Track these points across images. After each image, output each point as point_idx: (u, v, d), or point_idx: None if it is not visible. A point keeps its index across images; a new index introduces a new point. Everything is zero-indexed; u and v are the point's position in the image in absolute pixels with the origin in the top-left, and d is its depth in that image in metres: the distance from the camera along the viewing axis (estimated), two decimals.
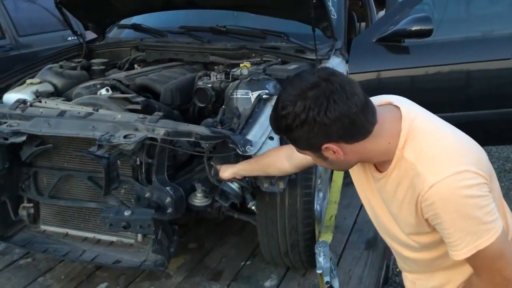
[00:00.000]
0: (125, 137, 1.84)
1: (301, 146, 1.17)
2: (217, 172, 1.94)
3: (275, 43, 2.76)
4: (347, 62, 2.85)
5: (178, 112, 2.36)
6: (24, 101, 2.13)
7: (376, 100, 1.19)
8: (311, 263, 2.21)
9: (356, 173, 1.34)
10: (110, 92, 2.27)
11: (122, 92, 2.32)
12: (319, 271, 1.86)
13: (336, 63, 2.62)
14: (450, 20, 3.18)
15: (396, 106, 1.18)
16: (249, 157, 1.84)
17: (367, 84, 2.87)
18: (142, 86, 2.43)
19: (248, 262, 2.55)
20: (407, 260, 1.37)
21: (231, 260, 2.58)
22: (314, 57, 2.54)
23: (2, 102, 2.34)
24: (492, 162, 1.19)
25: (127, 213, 1.84)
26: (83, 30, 3.32)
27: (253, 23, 2.88)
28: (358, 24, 3.99)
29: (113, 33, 3.29)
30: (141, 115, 1.96)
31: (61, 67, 2.61)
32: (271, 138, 1.92)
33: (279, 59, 2.63)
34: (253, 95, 2.11)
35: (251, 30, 2.82)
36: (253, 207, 2.04)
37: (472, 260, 1.12)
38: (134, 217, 1.84)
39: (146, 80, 2.45)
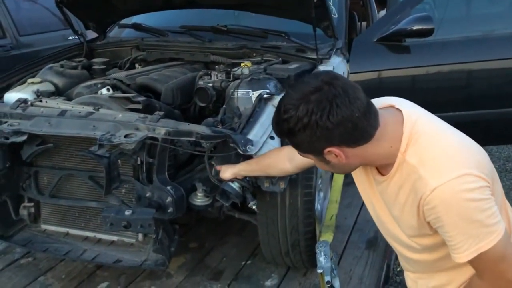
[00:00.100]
0: (126, 136, 1.84)
1: (303, 150, 1.17)
2: (217, 172, 1.94)
3: (276, 42, 2.76)
4: (348, 61, 2.85)
5: (179, 112, 2.36)
6: (25, 101, 2.13)
7: (378, 102, 1.19)
8: (312, 262, 2.21)
9: (358, 176, 1.34)
10: (111, 91, 2.27)
11: (123, 92, 2.32)
12: (319, 271, 1.86)
13: (337, 63, 2.62)
14: (451, 20, 3.17)
15: (397, 109, 1.18)
16: (250, 156, 1.84)
17: (368, 83, 2.86)
18: (143, 86, 2.43)
19: (249, 262, 2.55)
20: (409, 261, 1.37)
21: (232, 259, 2.58)
22: (315, 57, 2.54)
23: (3, 102, 2.34)
24: (493, 162, 1.19)
25: (127, 212, 1.84)
26: (83, 30, 3.32)
27: (254, 22, 2.88)
28: (359, 23, 4.00)
29: (114, 33, 3.29)
30: (142, 115, 1.96)
31: (62, 66, 2.62)
32: (272, 138, 1.92)
33: (280, 59, 2.63)
34: (254, 95, 2.11)
35: (252, 30, 2.82)
36: (253, 207, 2.04)
37: (474, 262, 1.11)
38: (135, 216, 1.84)
39: (147, 80, 2.45)
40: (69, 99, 2.31)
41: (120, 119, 1.93)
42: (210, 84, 2.35)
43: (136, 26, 3.06)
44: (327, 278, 1.83)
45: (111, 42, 3.13)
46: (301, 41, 2.67)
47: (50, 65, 2.62)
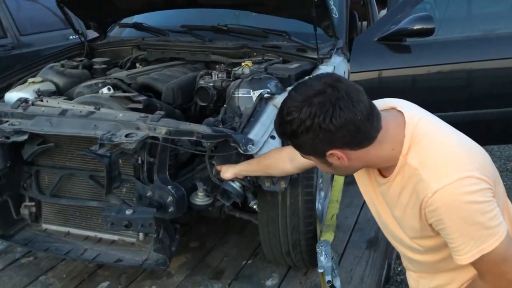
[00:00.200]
0: (126, 136, 1.84)
1: (305, 151, 1.17)
2: (218, 172, 1.94)
3: (277, 42, 2.77)
4: (348, 61, 2.85)
5: (179, 111, 2.36)
6: (26, 100, 2.13)
7: (379, 104, 1.19)
8: (313, 262, 2.21)
9: (360, 177, 1.34)
10: (112, 91, 2.27)
11: (124, 91, 2.32)
12: (320, 270, 1.86)
13: (338, 62, 2.62)
14: (452, 19, 3.17)
15: (399, 111, 1.18)
16: (251, 156, 1.84)
17: (368, 83, 2.86)
18: (143, 85, 2.44)
19: (250, 261, 2.55)
20: (411, 261, 1.38)
21: (233, 259, 2.58)
22: (316, 56, 2.54)
23: (3, 101, 2.34)
24: (493, 162, 1.19)
25: (128, 212, 1.84)
26: (84, 29, 3.33)
27: (254, 22, 2.88)
28: (359, 23, 3.99)
29: (115, 32, 3.29)
30: (142, 114, 1.96)
31: (62, 66, 2.62)
32: (273, 137, 1.92)
33: (281, 58, 2.63)
34: (255, 94, 2.11)
35: (252, 29, 2.82)
36: (254, 206, 2.04)
37: (476, 264, 1.12)
38: (136, 216, 1.84)
39: (148, 79, 2.45)
40: (70, 98, 2.31)
41: (121, 119, 1.93)
42: (211, 84, 2.35)
43: (137, 26, 3.06)
44: (328, 278, 1.83)
45: (112, 42, 3.13)
46: (301, 41, 2.67)
47: (51, 65, 2.62)
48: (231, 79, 2.38)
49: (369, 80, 2.91)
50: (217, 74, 2.45)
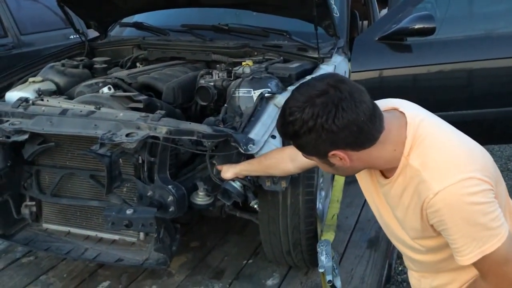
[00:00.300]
0: (127, 135, 1.84)
1: (307, 152, 1.17)
2: (219, 171, 1.94)
3: (278, 41, 2.76)
4: (349, 60, 2.85)
5: (180, 111, 2.36)
6: (26, 100, 2.13)
7: (380, 104, 1.18)
8: (313, 261, 2.20)
9: (362, 177, 1.34)
10: (112, 90, 2.27)
11: (124, 91, 2.32)
12: (321, 270, 1.86)
13: (339, 62, 2.62)
14: (453, 18, 3.17)
15: (401, 112, 1.18)
16: (251, 155, 1.84)
17: (369, 82, 2.86)
18: (144, 85, 2.43)
19: (250, 261, 2.55)
20: (413, 261, 1.38)
21: (233, 258, 2.58)
22: (317, 56, 2.54)
23: (4, 101, 2.34)
24: (494, 161, 1.19)
25: (129, 211, 1.84)
26: (85, 29, 3.32)
27: (255, 21, 2.88)
28: (360, 22, 3.98)
29: (115, 32, 3.29)
30: (143, 114, 1.96)
31: (63, 65, 2.62)
32: (273, 137, 1.92)
33: (281, 58, 2.63)
34: (255, 94, 2.11)
35: (253, 29, 2.82)
36: (255, 206, 2.04)
37: (477, 264, 1.12)
38: (136, 215, 1.84)
39: (148, 79, 2.45)
40: (71, 98, 2.31)
41: (121, 118, 1.93)
42: (212, 83, 2.35)
43: (138, 25, 3.06)
44: (329, 277, 1.83)
45: (113, 41, 3.13)
46: (302, 40, 2.67)
47: (51, 64, 2.62)
48: (232, 79, 2.37)
49: (370, 79, 2.91)
50: (218, 74, 2.45)
